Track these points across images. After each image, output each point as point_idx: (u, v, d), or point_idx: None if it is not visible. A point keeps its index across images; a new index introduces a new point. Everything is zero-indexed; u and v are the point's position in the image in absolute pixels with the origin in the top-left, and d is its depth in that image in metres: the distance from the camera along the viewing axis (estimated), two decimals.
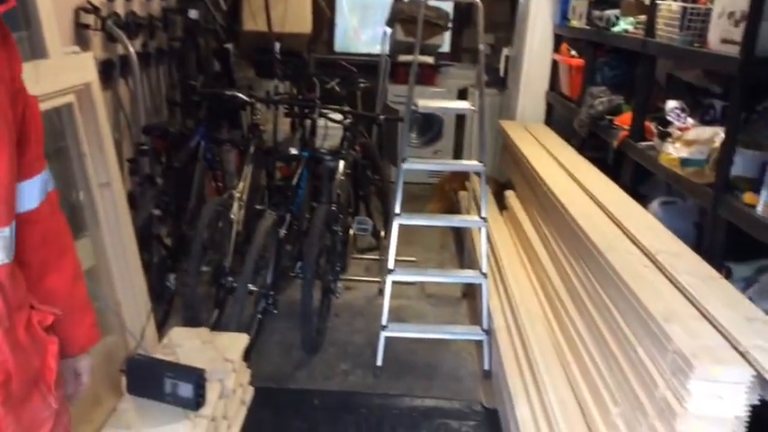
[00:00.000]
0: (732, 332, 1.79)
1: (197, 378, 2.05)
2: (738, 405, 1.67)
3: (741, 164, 2.30)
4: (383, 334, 3.12)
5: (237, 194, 3.20)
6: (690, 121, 2.84)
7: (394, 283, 3.29)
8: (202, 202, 3.37)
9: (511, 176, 4.46)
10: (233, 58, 4.26)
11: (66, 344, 1.33)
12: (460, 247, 4.60)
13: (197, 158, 3.39)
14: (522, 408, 2.35)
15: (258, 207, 3.53)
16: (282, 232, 3.20)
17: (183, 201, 3.36)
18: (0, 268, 1.11)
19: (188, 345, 2.45)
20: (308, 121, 3.57)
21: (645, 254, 2.37)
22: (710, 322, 1.87)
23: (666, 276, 2.18)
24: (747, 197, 2.20)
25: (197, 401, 2.06)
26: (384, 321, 3.14)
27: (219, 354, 2.44)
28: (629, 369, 1.98)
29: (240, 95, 3.32)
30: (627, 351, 2.01)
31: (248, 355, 2.85)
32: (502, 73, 5.52)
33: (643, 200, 3.10)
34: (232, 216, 3.12)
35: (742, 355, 1.71)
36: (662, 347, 1.80)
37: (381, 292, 3.35)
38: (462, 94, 5.76)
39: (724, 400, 1.66)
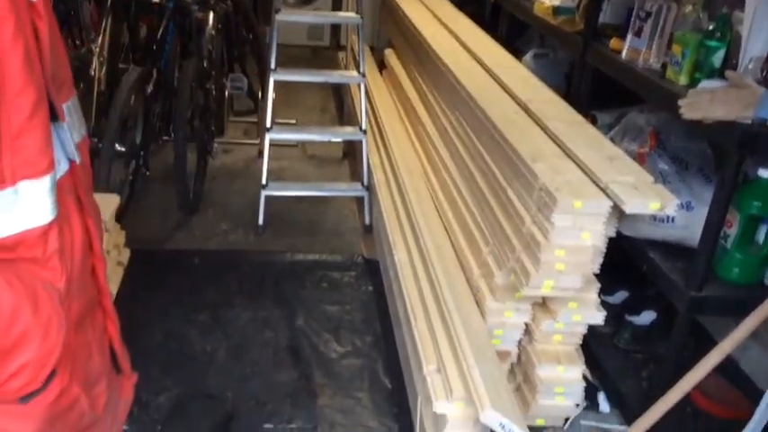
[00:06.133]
0: (594, 169, 1.89)
1: None
2: (597, 235, 1.80)
3: (608, 10, 2.36)
4: (263, 193, 3.09)
5: (97, 49, 2.95)
6: None
7: (274, 145, 3.23)
8: None
9: (390, 34, 4.38)
10: None
11: None
12: (341, 110, 4.55)
13: None
14: (400, 253, 2.43)
15: (122, 66, 3.28)
16: (149, 89, 3.01)
17: None
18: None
19: None
20: None
21: (517, 103, 2.43)
22: (575, 161, 1.97)
23: (536, 123, 2.25)
24: (614, 43, 2.27)
25: None
26: (264, 180, 3.10)
27: None
28: (499, 210, 2.07)
29: None
30: (498, 193, 2.09)
31: (122, 217, 2.75)
32: None
33: (518, 54, 3.15)
34: (92, 73, 2.89)
35: (602, 189, 1.82)
36: (529, 186, 1.88)
37: (261, 154, 3.28)
38: None
39: (584, 231, 1.78)
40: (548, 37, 3.19)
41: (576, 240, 1.79)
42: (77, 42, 3.43)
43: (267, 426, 2.05)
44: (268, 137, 3.10)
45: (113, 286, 2.47)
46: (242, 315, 2.52)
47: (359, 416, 2.12)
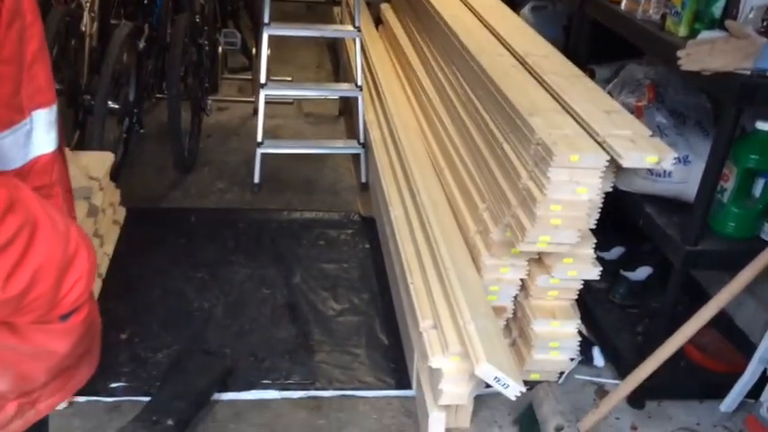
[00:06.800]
0: (591, 123, 1.87)
1: None
2: (593, 189, 1.79)
3: None
4: (259, 151, 3.06)
5: (87, 5, 2.89)
6: None
7: (269, 102, 3.19)
8: (47, 13, 3.02)
9: None
10: None
11: None
12: (337, 67, 4.49)
13: None
14: (396, 210, 2.42)
15: (114, 22, 3.23)
16: (141, 44, 2.96)
17: None
18: None
19: None
20: None
21: (515, 57, 2.39)
22: (572, 115, 1.95)
23: (534, 76, 2.22)
24: None
25: None
26: (259, 138, 3.07)
27: (83, 172, 2.31)
28: (495, 165, 2.05)
29: None
30: (494, 148, 2.07)
31: (117, 176, 2.73)
32: None
33: (516, 8, 3.09)
34: (83, 29, 2.83)
35: (599, 143, 1.80)
36: (526, 140, 1.86)
37: (256, 112, 3.24)
38: None
39: (580, 185, 1.77)
40: None
41: (572, 195, 1.78)
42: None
43: (265, 381, 2.07)
44: (263, 93, 3.06)
45: (110, 245, 2.47)
46: (239, 272, 2.53)
47: (356, 372, 2.14)
